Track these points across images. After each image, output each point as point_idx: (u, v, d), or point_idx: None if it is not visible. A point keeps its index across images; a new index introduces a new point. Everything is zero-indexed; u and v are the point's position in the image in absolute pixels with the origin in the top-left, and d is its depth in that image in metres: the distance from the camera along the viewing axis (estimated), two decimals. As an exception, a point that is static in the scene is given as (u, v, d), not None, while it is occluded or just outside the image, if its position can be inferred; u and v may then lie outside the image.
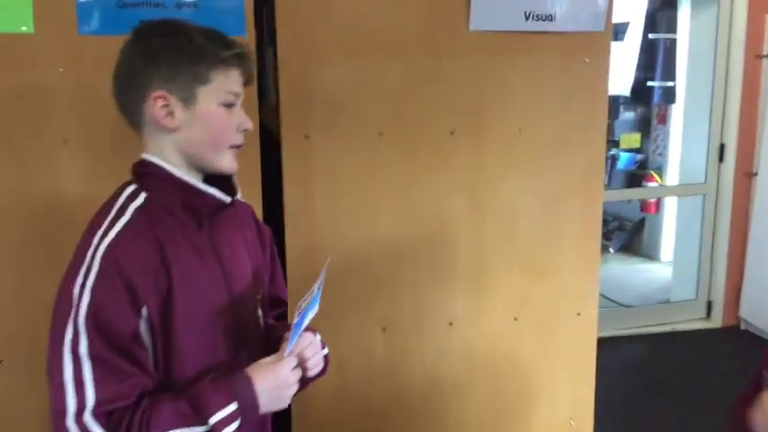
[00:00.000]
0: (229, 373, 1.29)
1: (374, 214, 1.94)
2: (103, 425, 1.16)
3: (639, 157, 5.80)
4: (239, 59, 1.32)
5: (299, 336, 1.32)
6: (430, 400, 2.06)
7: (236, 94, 1.34)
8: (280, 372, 1.29)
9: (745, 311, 4.29)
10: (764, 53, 4.07)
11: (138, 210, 1.26)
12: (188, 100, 1.28)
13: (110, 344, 1.17)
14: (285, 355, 1.30)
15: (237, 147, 1.36)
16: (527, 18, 1.92)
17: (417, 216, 1.97)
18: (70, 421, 1.15)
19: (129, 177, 1.81)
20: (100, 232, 1.22)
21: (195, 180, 1.31)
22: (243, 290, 1.40)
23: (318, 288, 1.36)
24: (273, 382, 1.28)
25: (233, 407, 1.23)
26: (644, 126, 5.83)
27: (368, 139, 1.90)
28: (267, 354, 1.36)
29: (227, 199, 1.35)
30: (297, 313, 1.31)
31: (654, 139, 5.76)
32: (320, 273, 1.37)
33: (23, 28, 1.63)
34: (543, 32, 1.93)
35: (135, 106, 1.30)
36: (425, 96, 1.91)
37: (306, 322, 1.33)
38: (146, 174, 1.31)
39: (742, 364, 3.77)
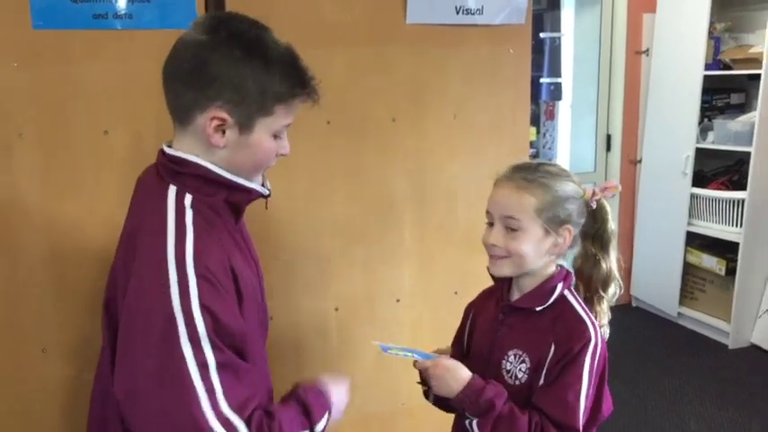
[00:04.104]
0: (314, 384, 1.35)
1: (326, 198, 2.03)
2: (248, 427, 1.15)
3: (532, 151, 6.12)
4: (306, 96, 1.27)
5: None
6: (381, 373, 2.17)
7: (289, 125, 1.30)
8: (346, 390, 1.43)
9: (636, 289, 4.65)
10: (643, 49, 4.44)
11: (194, 212, 1.21)
12: (245, 127, 1.22)
13: (232, 348, 1.17)
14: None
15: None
16: (458, 12, 2.07)
17: (365, 198, 2.07)
18: (216, 427, 1.11)
19: (83, 171, 1.82)
20: (171, 244, 1.16)
21: (236, 177, 1.27)
22: (262, 284, 1.43)
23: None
24: (341, 398, 1.40)
25: (327, 416, 1.32)
26: (534, 122, 6.16)
27: (317, 128, 1.98)
28: None
29: (266, 191, 1.34)
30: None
31: (543, 134, 6.10)
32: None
33: (-24, 23, 1.64)
34: (473, 25, 2.09)
35: (188, 109, 1.22)
36: (369, 86, 2.02)
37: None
38: (185, 174, 1.24)
39: (634, 339, 4.10)
